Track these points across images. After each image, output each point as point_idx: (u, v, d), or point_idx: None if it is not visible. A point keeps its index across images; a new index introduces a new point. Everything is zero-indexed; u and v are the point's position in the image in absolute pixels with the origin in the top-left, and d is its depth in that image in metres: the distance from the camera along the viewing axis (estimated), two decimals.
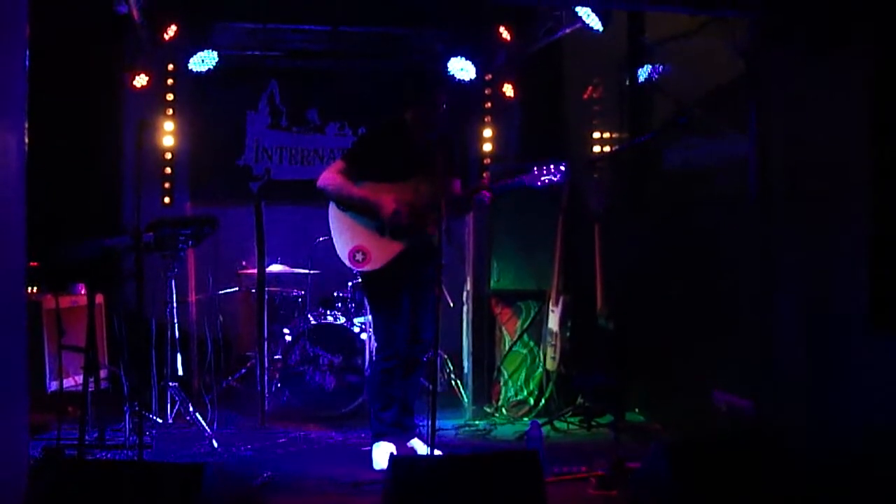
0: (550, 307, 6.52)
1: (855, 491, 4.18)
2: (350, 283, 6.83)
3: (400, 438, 5.27)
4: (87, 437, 5.00)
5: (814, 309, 4.77)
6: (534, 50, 7.60)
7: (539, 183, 5.23)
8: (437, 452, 4.65)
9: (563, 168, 5.18)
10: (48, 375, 5.98)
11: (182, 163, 7.83)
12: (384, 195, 5.10)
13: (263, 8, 7.27)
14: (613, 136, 7.67)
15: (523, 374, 6.71)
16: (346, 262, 5.18)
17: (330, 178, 5.17)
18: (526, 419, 6.41)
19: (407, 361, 5.29)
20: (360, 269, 5.23)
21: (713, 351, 5.85)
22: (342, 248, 5.18)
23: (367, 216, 5.14)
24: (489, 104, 8.16)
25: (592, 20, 6.32)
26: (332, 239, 5.23)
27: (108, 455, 5.25)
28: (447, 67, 7.73)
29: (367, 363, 6.48)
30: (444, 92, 5.34)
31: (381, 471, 4.75)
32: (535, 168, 5.22)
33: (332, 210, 5.23)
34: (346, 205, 5.19)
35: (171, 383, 5.95)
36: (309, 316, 6.80)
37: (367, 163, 5.17)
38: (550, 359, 6.48)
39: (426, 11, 7.33)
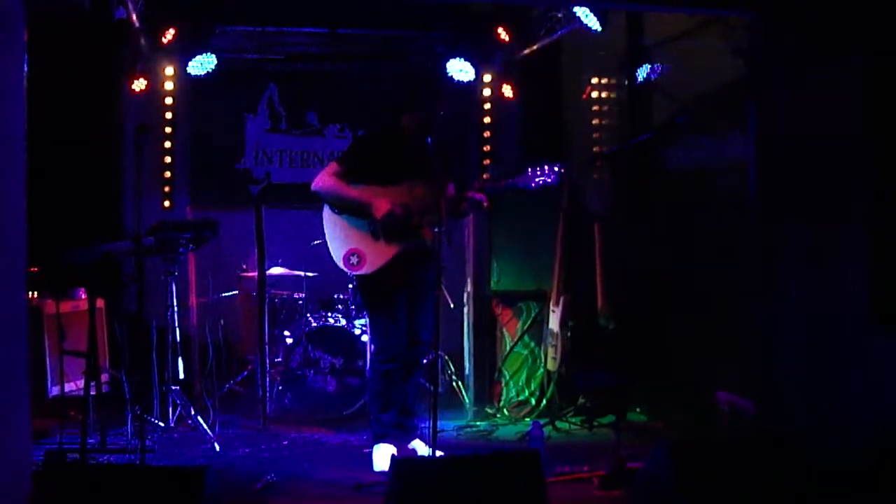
0: (551, 307, 6.52)
1: (858, 492, 4.17)
2: (350, 286, 6.83)
3: (400, 440, 5.26)
4: (89, 442, 4.99)
5: (815, 308, 4.77)
6: (533, 50, 7.60)
7: (533, 184, 5.22)
8: (438, 453, 4.65)
9: (557, 169, 5.17)
10: (50, 380, 5.98)
11: (182, 167, 7.82)
12: (379, 197, 5.09)
13: (262, 11, 7.27)
14: (613, 136, 7.67)
15: (524, 375, 6.71)
16: (342, 266, 5.17)
17: (325, 180, 5.16)
18: (527, 420, 6.41)
19: (406, 364, 5.29)
20: (355, 273, 5.22)
21: (715, 351, 5.85)
22: (337, 252, 5.16)
23: (361, 218, 5.13)
24: (488, 105, 8.14)
25: (591, 20, 6.34)
26: (326, 243, 5.23)
27: (111, 459, 5.24)
28: (446, 68, 7.73)
29: (367, 365, 6.48)
30: (443, 99, 5.34)
31: (382, 472, 4.76)
32: (530, 169, 5.22)
33: (327, 213, 5.22)
34: (341, 206, 5.18)
35: (172, 387, 5.94)
36: (310, 318, 6.79)
37: (362, 166, 5.17)
38: (551, 359, 6.48)
39: (425, 13, 7.33)
